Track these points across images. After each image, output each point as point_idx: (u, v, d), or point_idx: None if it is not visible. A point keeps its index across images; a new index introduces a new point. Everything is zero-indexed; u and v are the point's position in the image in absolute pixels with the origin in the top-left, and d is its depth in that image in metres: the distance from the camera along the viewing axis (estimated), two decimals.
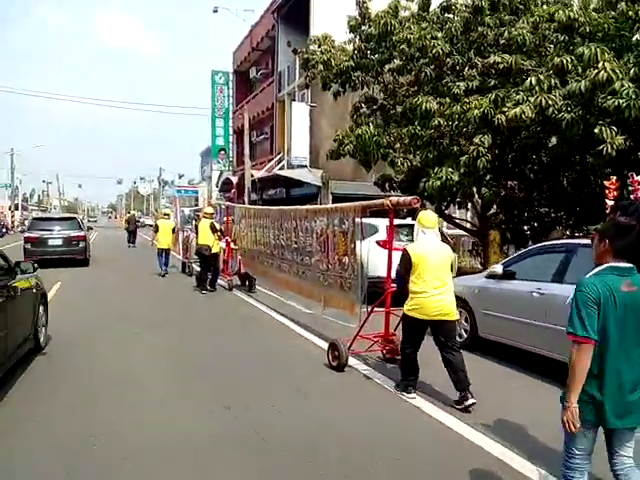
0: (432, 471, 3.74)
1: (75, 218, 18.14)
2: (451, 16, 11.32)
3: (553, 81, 8.52)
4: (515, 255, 6.77)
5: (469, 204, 14.15)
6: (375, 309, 6.02)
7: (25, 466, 3.64)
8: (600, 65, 7.56)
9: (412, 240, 7.46)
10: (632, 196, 5.85)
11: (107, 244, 26.66)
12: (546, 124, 8.84)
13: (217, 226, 12.33)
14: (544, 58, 9.83)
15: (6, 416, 4.43)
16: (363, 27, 12.09)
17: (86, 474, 3.54)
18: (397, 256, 5.28)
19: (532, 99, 8.44)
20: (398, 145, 11.95)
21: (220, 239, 12.39)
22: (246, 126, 22.55)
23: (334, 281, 6.81)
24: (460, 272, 12.06)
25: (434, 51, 10.56)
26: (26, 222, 40.46)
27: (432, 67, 11.06)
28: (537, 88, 8.30)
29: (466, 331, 7.03)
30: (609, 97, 7.56)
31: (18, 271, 5.72)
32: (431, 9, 11.95)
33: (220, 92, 30.87)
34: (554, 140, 9.88)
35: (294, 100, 20.70)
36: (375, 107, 13.23)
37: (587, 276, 2.55)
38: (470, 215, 16.41)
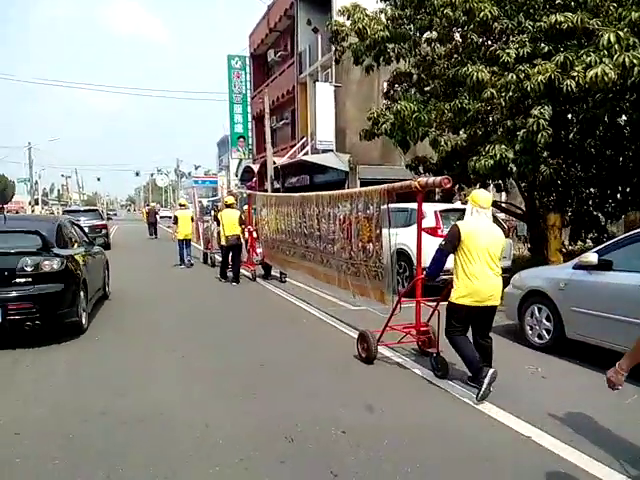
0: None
1: (97, 210, 22.85)
2: None
3: (632, 39, 7.37)
4: (610, 242, 5.71)
5: (508, 185, 13.09)
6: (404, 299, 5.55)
7: (96, 356, 6.00)
8: None
9: None
10: None
11: (127, 238, 25.98)
12: (627, 88, 7.69)
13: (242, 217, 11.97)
14: (609, 17, 8.65)
15: (88, 333, 6.98)
16: None
17: (131, 363, 5.71)
18: (429, 243, 5.29)
19: (607, 60, 7.32)
20: (438, 122, 10.86)
21: (243, 229, 12.03)
22: (267, 110, 21.55)
23: (357, 270, 6.55)
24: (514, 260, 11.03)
25: (482, 14, 9.42)
26: None
27: (478, 33, 9.93)
28: (616, 46, 7.16)
29: (548, 331, 6.02)
30: None
31: (94, 244, 9.39)
32: None
33: (237, 77, 29.86)
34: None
35: (317, 81, 19.59)
36: (411, 82, 12.13)
37: None
38: (505, 197, 15.26)
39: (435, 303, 5.40)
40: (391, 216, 9.47)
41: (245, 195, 15.18)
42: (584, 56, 7.73)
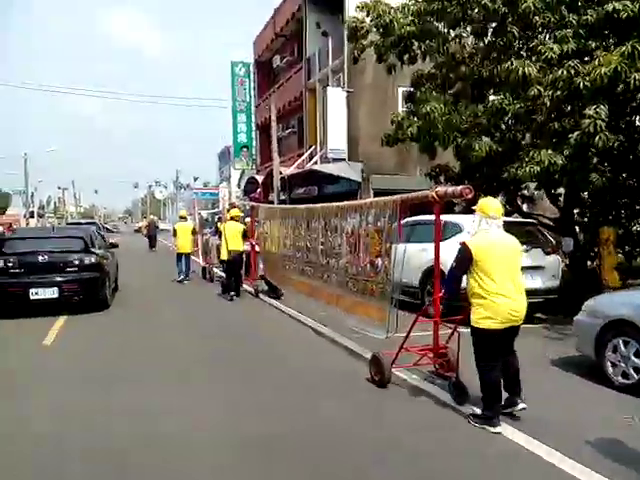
0: None
1: (95, 223, 27.41)
2: None
3: None
4: None
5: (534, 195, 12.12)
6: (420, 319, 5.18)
7: (115, 321, 8.80)
8: None
9: None
10: None
11: (127, 253, 25.01)
12: None
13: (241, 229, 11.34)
14: None
15: (111, 310, 9.68)
16: None
17: (143, 330, 8.20)
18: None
19: None
20: (470, 125, 9.87)
21: (245, 242, 11.58)
22: (273, 118, 20.60)
23: (363, 286, 6.21)
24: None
25: (524, 6, 8.48)
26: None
27: (518, 27, 8.98)
28: None
29: (637, 370, 4.94)
30: None
31: (110, 246, 12.06)
32: None
33: (241, 84, 28.97)
34: None
35: (327, 86, 18.63)
36: (435, 84, 11.13)
37: None
38: (526, 208, 14.23)
39: (454, 324, 4.97)
40: (418, 230, 8.41)
41: (248, 207, 14.32)
42: None
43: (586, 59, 8.19)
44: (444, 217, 9.32)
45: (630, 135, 8.56)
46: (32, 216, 53.99)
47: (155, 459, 3.80)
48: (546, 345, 6.95)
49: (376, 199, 6.30)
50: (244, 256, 11.61)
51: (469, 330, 4.27)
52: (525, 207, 13.88)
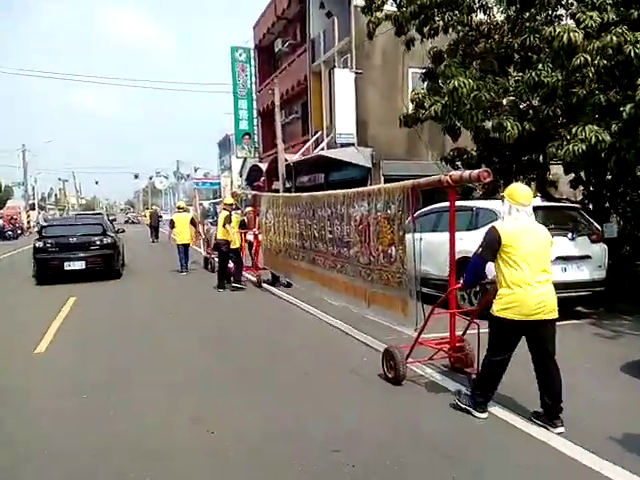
0: None
1: (101, 213, 28.98)
2: None
3: None
4: None
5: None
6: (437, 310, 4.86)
7: (127, 285, 11.83)
8: None
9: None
10: None
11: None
12: None
13: (235, 219, 11.25)
14: None
15: (124, 278, 12.76)
16: None
17: (147, 296, 10.67)
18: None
19: None
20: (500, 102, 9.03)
21: (243, 232, 11.69)
22: (277, 103, 19.67)
23: (378, 276, 5.89)
24: None
25: None
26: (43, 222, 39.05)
27: None
28: None
29: None
30: None
31: (119, 231, 15.69)
32: None
33: (242, 70, 27.92)
34: None
35: (334, 68, 17.67)
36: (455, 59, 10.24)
37: None
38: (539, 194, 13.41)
39: (472, 315, 4.80)
40: (446, 218, 7.74)
41: (249, 196, 13.79)
42: None
43: None
44: (477, 203, 8.63)
45: None
46: (32, 208, 53.16)
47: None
48: (603, 345, 6.18)
49: (385, 185, 5.94)
50: (246, 245, 11.97)
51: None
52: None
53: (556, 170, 10.83)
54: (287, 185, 20.24)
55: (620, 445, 3.53)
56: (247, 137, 28.35)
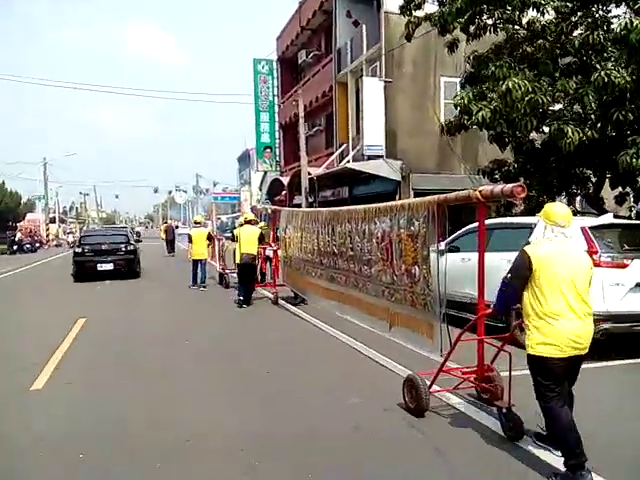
0: None
1: (126, 227, 31.18)
2: None
3: None
4: None
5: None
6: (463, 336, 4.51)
7: (144, 283, 14.74)
8: None
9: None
10: None
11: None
12: None
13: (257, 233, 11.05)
14: None
15: (141, 277, 15.67)
16: None
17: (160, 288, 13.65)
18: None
19: None
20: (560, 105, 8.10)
21: (264, 249, 11.69)
22: (301, 114, 18.94)
23: (402, 296, 5.58)
24: None
25: None
26: (66, 236, 39.29)
27: None
28: None
29: None
30: None
31: (137, 241, 18.52)
32: None
33: (264, 83, 27.36)
34: None
35: (362, 77, 16.86)
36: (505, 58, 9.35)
37: None
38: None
39: (502, 342, 4.53)
40: (497, 237, 7.25)
41: (270, 211, 13.29)
42: None
43: None
44: (530, 219, 7.61)
45: None
46: (53, 221, 53.16)
47: None
48: None
49: (408, 200, 5.74)
50: (261, 261, 11.77)
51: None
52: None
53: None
54: (309, 200, 19.43)
55: None
56: (269, 150, 27.70)
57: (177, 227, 31.42)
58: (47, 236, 46.20)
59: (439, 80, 16.32)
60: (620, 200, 10.17)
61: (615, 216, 7.39)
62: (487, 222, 8.22)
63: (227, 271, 13.64)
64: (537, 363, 3.50)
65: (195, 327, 8.68)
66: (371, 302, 6.44)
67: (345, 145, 19.12)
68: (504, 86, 7.45)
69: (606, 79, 6.81)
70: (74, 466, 3.71)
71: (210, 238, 13.99)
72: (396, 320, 5.77)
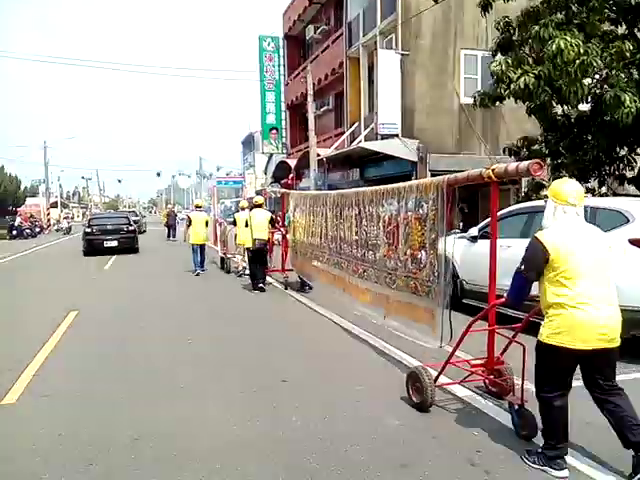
0: None
1: (134, 211, 35.83)
2: None
3: None
4: None
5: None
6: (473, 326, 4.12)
7: (143, 256, 18.32)
8: None
9: None
10: None
11: (144, 241, 23.79)
12: None
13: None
14: None
15: (140, 254, 18.89)
16: None
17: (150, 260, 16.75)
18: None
19: None
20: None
21: (274, 233, 11.46)
22: (310, 92, 17.89)
23: (404, 283, 5.36)
24: None
25: None
26: (64, 221, 38.50)
27: None
28: None
29: None
30: None
31: (136, 222, 24.33)
32: None
33: (269, 60, 26.22)
34: None
35: (375, 49, 15.72)
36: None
37: None
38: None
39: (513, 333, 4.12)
40: (529, 221, 6.65)
41: (278, 195, 12.75)
42: None
43: None
44: (594, 201, 6.64)
45: None
46: (54, 206, 52.31)
47: None
48: None
49: (416, 182, 5.42)
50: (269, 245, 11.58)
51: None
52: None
53: None
54: (318, 183, 18.48)
55: None
56: (274, 132, 26.67)
57: (177, 215, 31.70)
58: (48, 221, 45.41)
59: (459, 53, 15.24)
60: None
61: None
62: (526, 205, 7.39)
63: (229, 255, 13.52)
64: (547, 352, 3.24)
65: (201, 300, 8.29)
66: (371, 289, 6.25)
67: (357, 124, 18.10)
68: (554, 46, 6.46)
69: None
70: None
71: (208, 224, 13.79)
72: (395, 308, 5.62)
